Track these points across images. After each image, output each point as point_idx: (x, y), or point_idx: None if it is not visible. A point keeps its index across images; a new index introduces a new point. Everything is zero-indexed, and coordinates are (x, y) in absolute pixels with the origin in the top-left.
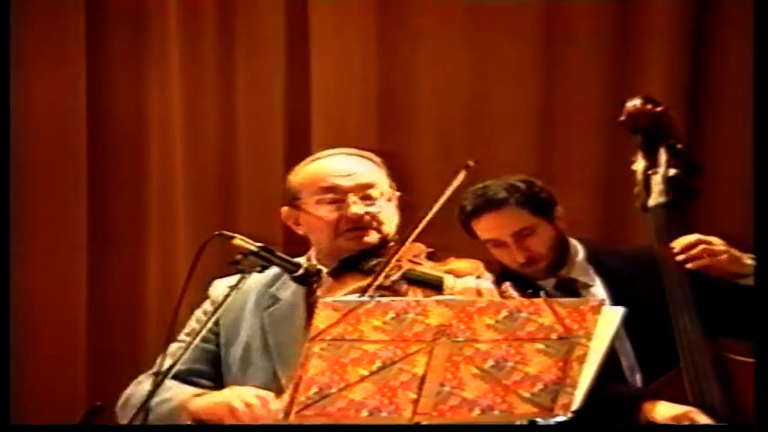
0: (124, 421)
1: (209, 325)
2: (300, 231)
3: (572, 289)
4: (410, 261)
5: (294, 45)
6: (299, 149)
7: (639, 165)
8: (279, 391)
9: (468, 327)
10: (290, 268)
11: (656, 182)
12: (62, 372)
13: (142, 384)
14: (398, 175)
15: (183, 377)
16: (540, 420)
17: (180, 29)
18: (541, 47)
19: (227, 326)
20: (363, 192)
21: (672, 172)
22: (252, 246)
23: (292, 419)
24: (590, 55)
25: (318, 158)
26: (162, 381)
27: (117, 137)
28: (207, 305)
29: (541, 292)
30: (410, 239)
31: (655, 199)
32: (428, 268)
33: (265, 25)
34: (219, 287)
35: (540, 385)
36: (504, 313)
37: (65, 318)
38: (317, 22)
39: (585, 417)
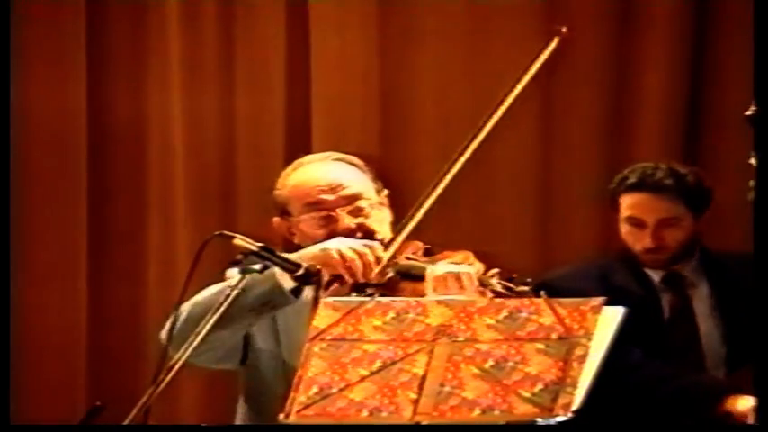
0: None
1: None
2: (296, 241)
3: (679, 285)
4: (407, 258)
5: (294, 45)
6: (300, 150)
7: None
8: (286, 375)
9: (469, 326)
10: (290, 268)
11: None
12: (62, 372)
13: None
14: (398, 176)
15: None
16: (540, 420)
17: (180, 29)
18: (542, 47)
19: None
20: (351, 204)
21: None
22: (252, 246)
23: (293, 419)
24: (590, 56)
25: (301, 166)
26: (151, 397)
27: (117, 137)
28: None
29: (541, 292)
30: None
31: None
32: (422, 263)
33: (265, 25)
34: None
35: (540, 385)
36: (505, 313)
37: (65, 318)
38: (317, 23)
39: (654, 406)
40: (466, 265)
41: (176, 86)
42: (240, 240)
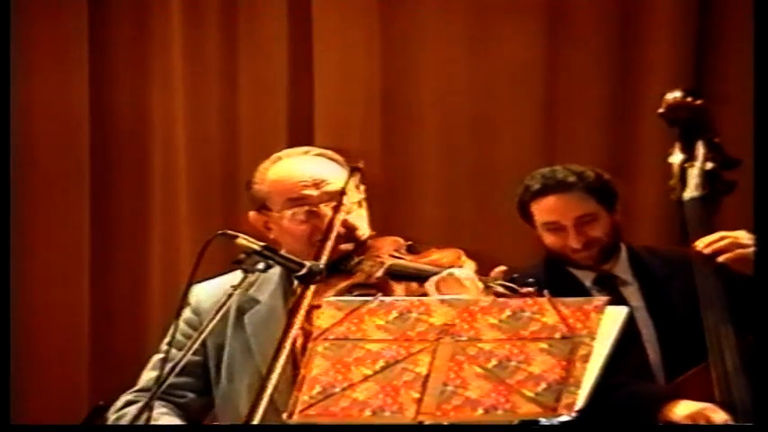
0: None
1: (204, 335)
2: (271, 236)
3: (611, 285)
4: (391, 256)
5: (297, 44)
6: None
7: (676, 157)
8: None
9: (472, 326)
10: (293, 267)
11: (693, 175)
12: (65, 371)
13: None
14: (399, 175)
15: (164, 392)
16: (543, 420)
17: (183, 27)
18: (544, 46)
19: (214, 336)
20: (335, 200)
21: (708, 166)
22: (255, 245)
23: (296, 419)
24: (593, 55)
25: (280, 160)
26: (153, 396)
27: (120, 136)
28: (187, 313)
29: (545, 291)
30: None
31: (690, 192)
32: (410, 262)
33: (268, 24)
34: (200, 293)
35: (543, 385)
36: (508, 312)
37: (67, 317)
38: (320, 22)
39: (604, 414)
40: (466, 270)
41: (179, 85)
42: (243, 240)
